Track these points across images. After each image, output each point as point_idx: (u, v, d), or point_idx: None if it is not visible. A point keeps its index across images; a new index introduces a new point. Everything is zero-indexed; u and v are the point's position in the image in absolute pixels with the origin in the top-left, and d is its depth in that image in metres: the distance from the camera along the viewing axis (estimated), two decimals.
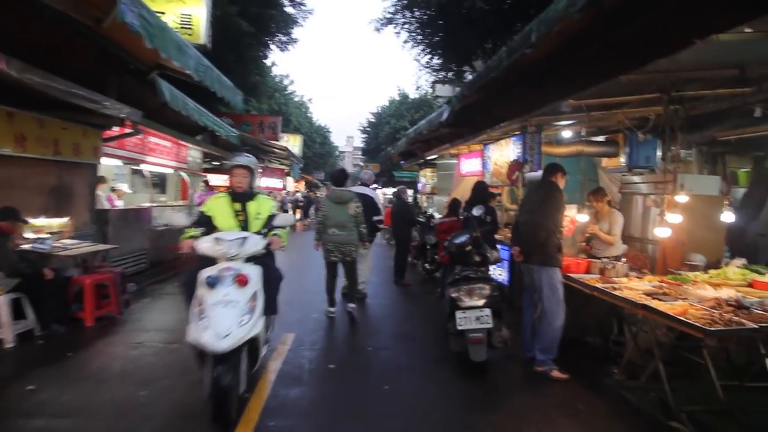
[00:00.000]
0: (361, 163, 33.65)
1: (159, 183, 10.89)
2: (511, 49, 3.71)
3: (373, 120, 34.01)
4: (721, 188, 7.38)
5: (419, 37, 14.86)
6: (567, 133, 6.53)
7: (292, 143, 21.81)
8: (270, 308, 3.22)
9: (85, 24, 4.57)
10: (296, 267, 9.64)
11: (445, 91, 18.57)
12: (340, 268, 5.79)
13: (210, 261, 3.00)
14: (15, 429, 2.84)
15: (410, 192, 18.74)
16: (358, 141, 40.95)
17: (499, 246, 5.82)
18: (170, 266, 8.03)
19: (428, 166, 13.60)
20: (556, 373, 3.88)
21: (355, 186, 6.65)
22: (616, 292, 3.66)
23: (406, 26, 15.00)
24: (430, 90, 22.07)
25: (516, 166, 6.47)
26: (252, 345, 3.06)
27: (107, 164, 7.52)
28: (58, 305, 4.69)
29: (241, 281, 2.85)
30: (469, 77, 10.49)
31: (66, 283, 4.88)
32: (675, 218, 4.13)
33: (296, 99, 30.91)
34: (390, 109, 31.02)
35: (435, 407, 3.39)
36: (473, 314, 3.73)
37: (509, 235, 5.72)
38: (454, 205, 7.06)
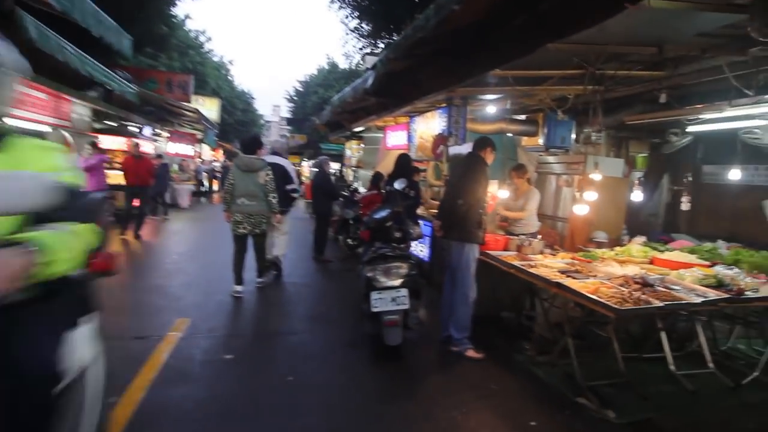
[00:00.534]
0: (288, 134, 32.02)
1: None
2: (438, 5, 3.35)
3: (300, 89, 32.35)
4: (623, 171, 7.85)
5: None
6: (491, 109, 6.43)
7: (209, 107, 19.89)
8: None
9: None
10: (203, 242, 8.82)
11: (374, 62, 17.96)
12: (251, 243, 5.22)
13: None
14: None
15: (337, 165, 18.12)
16: (286, 111, 38.81)
17: (421, 221, 5.62)
18: None
19: (355, 139, 13.12)
20: (471, 353, 3.77)
21: (267, 155, 6.03)
22: (533, 270, 3.59)
23: None
24: (360, 60, 21.31)
25: (441, 139, 6.25)
26: None
27: None
28: None
29: None
30: None
31: None
32: (591, 196, 4.14)
33: (215, 59, 28.23)
34: (318, 78, 29.63)
35: (343, 398, 3.07)
36: (389, 295, 3.44)
37: (433, 210, 5.53)
38: (376, 178, 6.71)
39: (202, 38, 25.59)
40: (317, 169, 7.07)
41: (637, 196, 7.83)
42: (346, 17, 14.79)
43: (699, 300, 2.97)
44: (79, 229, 1.21)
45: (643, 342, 4.07)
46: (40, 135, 2.07)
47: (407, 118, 7.72)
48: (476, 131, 6.63)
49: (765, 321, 3.83)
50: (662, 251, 4.42)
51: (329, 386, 3.21)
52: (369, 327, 3.53)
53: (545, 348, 3.96)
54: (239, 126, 31.64)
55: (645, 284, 3.23)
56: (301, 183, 7.49)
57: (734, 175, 8.48)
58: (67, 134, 8.78)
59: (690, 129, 6.90)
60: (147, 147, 11.36)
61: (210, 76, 25.15)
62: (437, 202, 5.15)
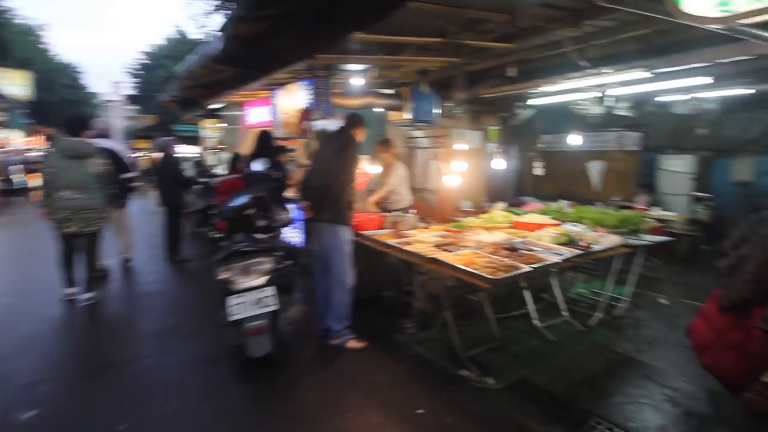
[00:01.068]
0: (133, 115, 27.46)
1: None
2: None
3: (147, 61, 27.82)
4: (481, 142, 8.34)
5: None
6: (357, 82, 6.10)
7: (15, 82, 15.71)
8: None
9: None
10: (11, 253, 6.93)
11: None
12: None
13: None
14: None
15: (196, 149, 16.13)
16: (130, 88, 33.11)
17: (291, 205, 5.10)
18: None
19: (213, 118, 11.67)
20: (352, 343, 3.49)
21: (96, 138, 4.81)
22: (409, 248, 3.42)
23: None
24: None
25: (306, 114, 5.72)
26: None
27: None
28: None
29: None
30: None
31: None
32: (458, 167, 4.11)
33: (20, 22, 22.43)
34: (167, 49, 25.84)
35: None
36: (251, 297, 2.90)
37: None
38: (234, 160, 5.90)
39: None
40: (161, 153, 5.92)
41: (495, 165, 8.42)
42: None
43: (558, 259, 3.12)
44: None
45: (510, 301, 4.30)
46: None
47: (268, 92, 6.96)
48: (344, 106, 6.27)
49: (602, 267, 4.31)
50: (520, 215, 4.69)
51: (181, 425, 2.58)
52: (231, 337, 2.95)
53: (426, 322, 3.91)
54: (66, 106, 26.08)
55: (512, 249, 3.31)
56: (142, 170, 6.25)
57: (566, 142, 9.76)
58: None
59: (532, 102, 7.59)
60: None
61: (15, 43, 19.91)
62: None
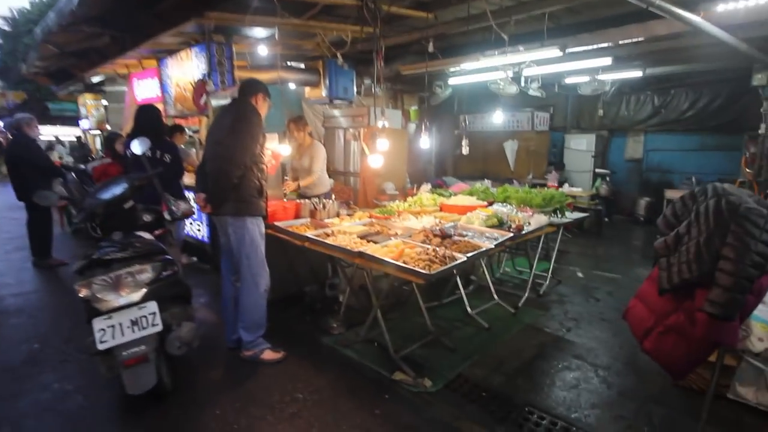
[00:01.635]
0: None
1: None
2: None
3: (7, 29, 23.14)
4: (401, 122, 8.02)
5: None
6: (263, 51, 5.34)
7: None
8: None
9: None
10: None
11: None
12: None
13: None
14: None
15: (75, 130, 13.83)
16: None
17: (190, 193, 4.31)
18: None
19: (94, 93, 9.87)
20: (268, 354, 2.94)
21: None
22: (330, 240, 2.94)
23: None
24: None
25: (202, 87, 4.87)
26: None
27: None
28: None
29: None
30: None
31: None
32: (382, 147, 3.68)
33: None
34: (33, 12, 21.64)
35: None
36: (125, 318, 2.21)
37: None
38: (110, 140, 4.84)
39: None
40: (15, 133, 4.64)
41: (416, 146, 8.17)
42: None
43: (492, 245, 2.87)
44: None
45: (441, 287, 4.05)
46: None
47: (156, 62, 5.87)
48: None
49: (527, 246, 4.23)
50: (447, 196, 4.44)
51: None
52: (105, 368, 2.24)
53: (354, 319, 3.52)
54: None
55: (444, 236, 3.00)
56: None
57: (484, 122, 9.87)
58: None
59: (451, 82, 7.41)
60: None
61: None
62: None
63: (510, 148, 9.07)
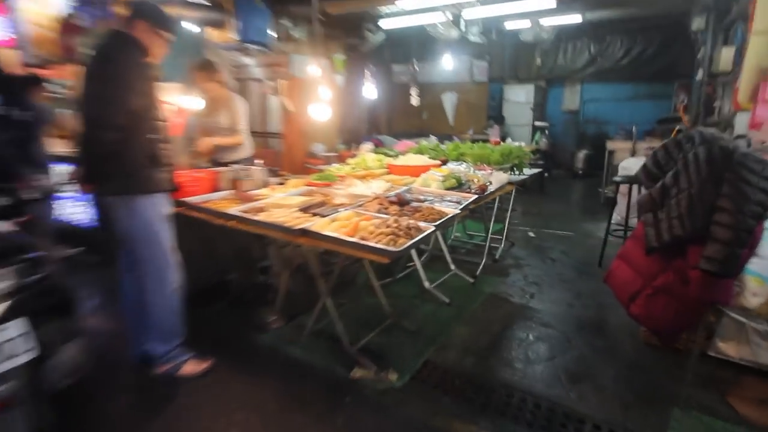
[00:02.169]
0: None
1: None
2: None
3: None
4: (329, 73, 7.43)
5: None
6: None
7: None
8: None
9: None
10: None
11: None
12: None
13: None
14: None
15: None
16: None
17: (63, 165, 3.51)
18: None
19: None
20: (191, 366, 2.51)
21: None
22: (263, 217, 2.50)
23: None
24: None
25: (71, 26, 3.93)
26: None
27: None
28: None
29: None
30: None
31: None
32: (326, 93, 3.23)
33: None
34: None
35: None
36: None
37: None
38: None
39: None
40: None
41: (346, 101, 7.68)
42: None
43: (458, 210, 2.64)
44: None
45: (394, 263, 3.80)
46: None
47: None
48: None
49: (483, 208, 4.10)
50: (394, 156, 4.14)
51: None
52: None
53: (295, 307, 3.18)
54: None
55: (402, 202, 2.70)
56: None
57: (420, 73, 9.55)
58: None
59: (385, 25, 6.94)
60: None
61: None
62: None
63: (449, 100, 8.94)
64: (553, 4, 6.00)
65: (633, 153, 5.97)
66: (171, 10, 5.05)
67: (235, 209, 2.61)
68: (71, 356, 1.92)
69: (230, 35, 5.88)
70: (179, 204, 2.70)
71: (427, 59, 8.84)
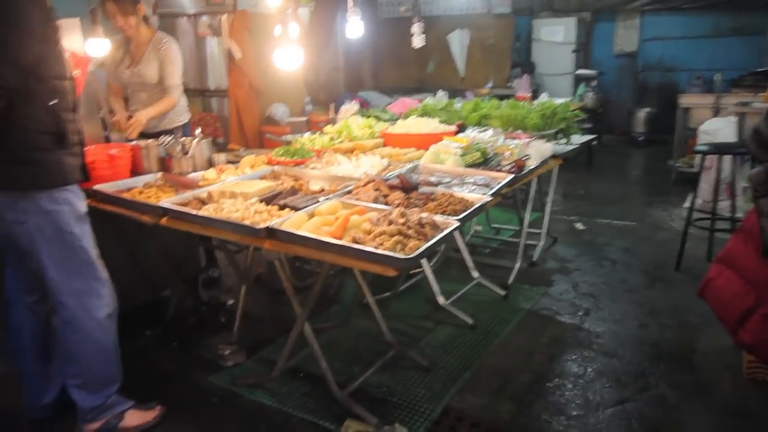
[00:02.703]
0: None
1: None
2: None
3: None
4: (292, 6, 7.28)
5: None
6: None
7: None
8: None
9: None
10: None
11: None
12: None
13: None
14: None
15: None
16: None
17: None
18: None
19: None
20: (134, 418, 2.47)
21: None
22: (210, 212, 2.40)
23: None
24: None
25: None
26: None
27: None
28: None
29: None
30: None
31: None
32: (292, 30, 3.13)
33: None
34: None
35: None
36: None
37: None
38: None
39: None
40: None
41: (314, 43, 7.57)
42: None
43: (488, 197, 2.57)
44: None
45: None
46: None
47: None
48: None
49: (515, 192, 4.05)
50: (390, 121, 4.07)
51: None
52: None
53: (257, 334, 3.23)
54: None
55: (407, 187, 2.63)
56: None
57: (417, 4, 9.42)
58: None
59: None
60: None
61: None
62: None
63: (458, 41, 8.84)
64: None
65: (716, 112, 5.97)
66: None
67: (167, 201, 2.53)
68: None
69: None
70: (87, 194, 2.59)
71: None
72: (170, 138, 3.23)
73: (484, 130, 3.67)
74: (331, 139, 3.67)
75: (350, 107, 4.47)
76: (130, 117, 3.58)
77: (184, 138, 3.39)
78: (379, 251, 1.94)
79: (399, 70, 9.59)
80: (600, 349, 3.15)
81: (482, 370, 2.95)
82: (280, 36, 3.61)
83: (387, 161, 3.15)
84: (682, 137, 6.59)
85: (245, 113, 6.12)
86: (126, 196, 2.69)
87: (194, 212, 2.41)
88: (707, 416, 2.59)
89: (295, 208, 2.39)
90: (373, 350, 3.04)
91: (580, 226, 5.26)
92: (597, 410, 2.63)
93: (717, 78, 6.15)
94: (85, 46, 3.37)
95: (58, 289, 2.27)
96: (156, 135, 3.51)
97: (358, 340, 3.20)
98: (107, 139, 3.79)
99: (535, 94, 8.01)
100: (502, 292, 3.75)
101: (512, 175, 2.89)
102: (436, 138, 3.47)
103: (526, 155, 3.23)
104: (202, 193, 2.66)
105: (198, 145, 3.23)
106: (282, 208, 2.43)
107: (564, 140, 3.91)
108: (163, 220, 2.50)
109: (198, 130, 3.57)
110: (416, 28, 3.98)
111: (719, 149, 4.19)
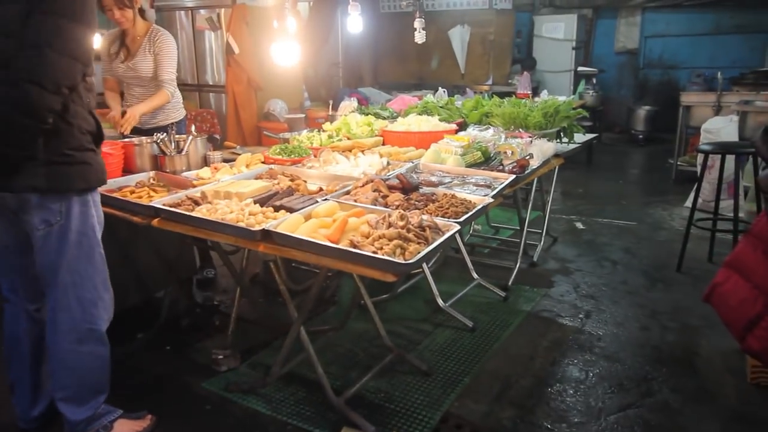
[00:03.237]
0: None
1: None
2: None
3: None
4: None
5: None
6: None
7: None
8: None
9: None
10: None
11: None
12: None
13: None
14: None
15: None
16: None
17: None
18: None
19: None
20: (123, 428, 2.39)
21: None
22: (203, 213, 2.33)
23: None
24: None
25: None
26: None
27: None
28: None
29: None
30: None
31: None
32: (290, 24, 3.06)
33: None
34: None
35: None
36: None
37: None
38: None
39: None
40: None
41: (313, 38, 7.49)
42: None
43: (489, 198, 2.51)
44: None
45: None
46: None
47: None
48: None
49: (517, 191, 3.98)
50: (390, 118, 4.01)
51: None
52: None
53: (253, 338, 3.16)
54: None
55: (408, 187, 2.57)
56: None
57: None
58: None
59: None
60: None
61: None
62: None
63: (458, 37, 8.74)
64: None
65: (718, 110, 5.91)
66: None
67: (160, 201, 2.45)
68: None
69: None
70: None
71: None
72: (164, 135, 3.16)
73: (486, 129, 3.62)
74: (330, 136, 3.61)
75: (349, 104, 4.41)
76: (124, 113, 3.50)
77: (178, 135, 3.32)
78: (378, 256, 1.87)
79: (399, 66, 9.49)
80: (602, 352, 3.10)
81: (482, 374, 2.89)
82: (278, 30, 3.55)
83: (386, 160, 3.09)
84: (683, 136, 6.54)
85: (243, 109, 6.06)
86: (117, 195, 2.62)
87: (189, 214, 2.34)
88: (712, 422, 2.55)
89: (291, 210, 2.32)
90: (370, 354, 3.00)
91: (580, 225, 5.21)
92: (599, 417, 2.58)
93: (719, 76, 6.09)
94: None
95: (64, 295, 2.18)
96: (150, 131, 3.44)
97: (355, 343, 3.14)
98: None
99: (535, 91, 7.97)
100: (502, 294, 3.69)
101: (514, 176, 2.83)
102: (436, 136, 3.42)
103: (529, 154, 3.17)
104: (196, 192, 2.58)
105: (192, 142, 3.16)
106: (278, 209, 2.36)
107: (566, 139, 3.84)
108: (155, 221, 2.43)
109: (193, 128, 3.51)
110: (418, 23, 3.92)
111: (724, 148, 4.12)
